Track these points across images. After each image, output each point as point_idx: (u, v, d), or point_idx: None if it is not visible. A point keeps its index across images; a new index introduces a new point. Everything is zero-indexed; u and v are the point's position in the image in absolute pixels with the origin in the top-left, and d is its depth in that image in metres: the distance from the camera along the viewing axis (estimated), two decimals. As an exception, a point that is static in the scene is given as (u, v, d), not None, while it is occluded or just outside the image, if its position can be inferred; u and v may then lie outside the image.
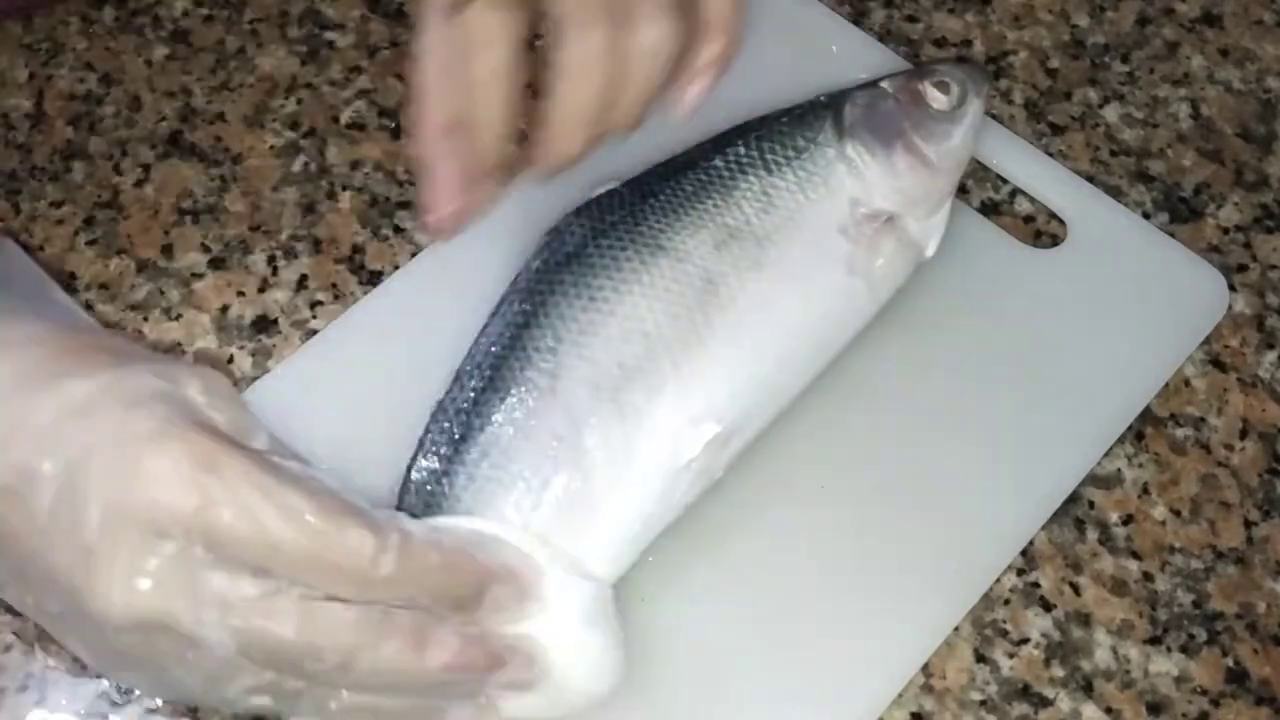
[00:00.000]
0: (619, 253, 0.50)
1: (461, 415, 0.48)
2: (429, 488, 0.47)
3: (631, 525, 0.47)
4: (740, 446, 0.49)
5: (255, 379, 0.54)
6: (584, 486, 0.46)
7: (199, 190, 0.59)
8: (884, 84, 0.54)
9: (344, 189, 0.59)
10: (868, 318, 0.52)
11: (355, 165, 0.60)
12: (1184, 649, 0.50)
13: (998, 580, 0.51)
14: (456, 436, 0.48)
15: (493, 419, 0.47)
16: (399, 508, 0.47)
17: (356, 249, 0.58)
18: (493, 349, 0.49)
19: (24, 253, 0.56)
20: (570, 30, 0.45)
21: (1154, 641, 0.50)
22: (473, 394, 0.48)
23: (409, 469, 0.48)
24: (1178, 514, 0.53)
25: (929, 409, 0.53)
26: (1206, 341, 0.56)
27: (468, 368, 0.49)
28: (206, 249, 0.58)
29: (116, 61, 0.63)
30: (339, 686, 0.40)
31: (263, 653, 0.38)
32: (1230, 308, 0.57)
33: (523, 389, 0.48)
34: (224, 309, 0.56)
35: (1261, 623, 0.51)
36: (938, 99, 0.53)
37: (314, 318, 0.56)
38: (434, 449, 0.48)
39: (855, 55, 0.61)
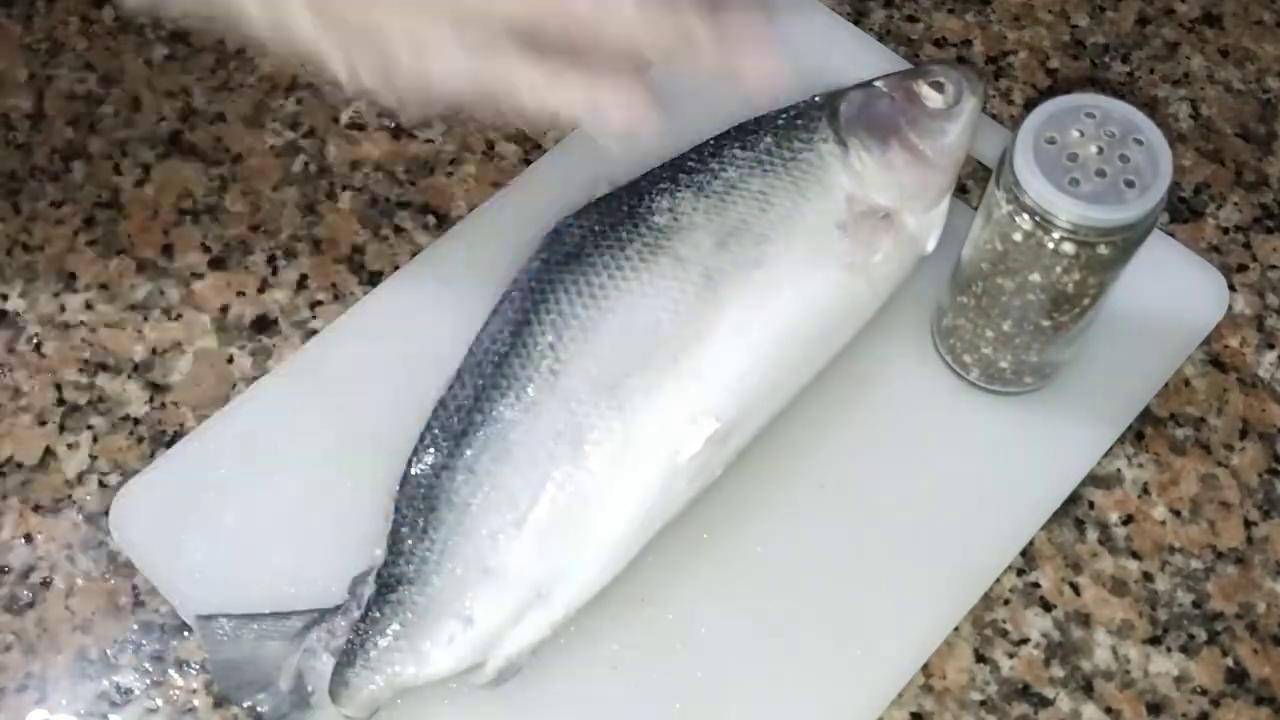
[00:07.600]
0: (619, 251, 0.50)
1: (462, 412, 0.48)
2: (429, 483, 0.47)
3: (631, 521, 0.47)
4: (740, 443, 0.49)
5: (255, 379, 0.54)
6: (584, 482, 0.46)
7: (199, 190, 0.59)
8: (878, 83, 0.54)
9: (344, 189, 0.59)
10: (868, 315, 0.52)
11: (355, 165, 0.60)
12: (1184, 649, 0.50)
13: (998, 580, 0.51)
14: (457, 432, 0.48)
15: (493, 415, 0.47)
16: (399, 504, 0.47)
17: (356, 249, 0.58)
18: (493, 347, 0.49)
19: None
20: None
21: (1154, 641, 0.50)
22: (474, 391, 0.48)
23: (409, 465, 0.48)
24: (1178, 514, 0.53)
25: (928, 408, 0.53)
26: (1206, 341, 0.56)
27: (469, 365, 0.49)
28: (206, 249, 0.58)
29: (116, 61, 0.63)
30: None
31: None
32: (1230, 308, 0.57)
33: (523, 386, 0.48)
34: (224, 309, 0.56)
35: (1261, 623, 0.51)
36: (932, 97, 0.53)
37: (314, 318, 0.56)
38: (435, 445, 0.48)
39: (855, 55, 0.61)
